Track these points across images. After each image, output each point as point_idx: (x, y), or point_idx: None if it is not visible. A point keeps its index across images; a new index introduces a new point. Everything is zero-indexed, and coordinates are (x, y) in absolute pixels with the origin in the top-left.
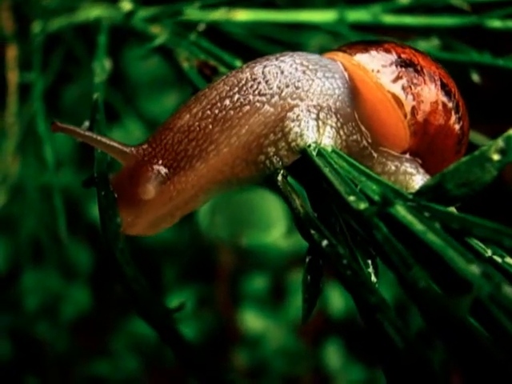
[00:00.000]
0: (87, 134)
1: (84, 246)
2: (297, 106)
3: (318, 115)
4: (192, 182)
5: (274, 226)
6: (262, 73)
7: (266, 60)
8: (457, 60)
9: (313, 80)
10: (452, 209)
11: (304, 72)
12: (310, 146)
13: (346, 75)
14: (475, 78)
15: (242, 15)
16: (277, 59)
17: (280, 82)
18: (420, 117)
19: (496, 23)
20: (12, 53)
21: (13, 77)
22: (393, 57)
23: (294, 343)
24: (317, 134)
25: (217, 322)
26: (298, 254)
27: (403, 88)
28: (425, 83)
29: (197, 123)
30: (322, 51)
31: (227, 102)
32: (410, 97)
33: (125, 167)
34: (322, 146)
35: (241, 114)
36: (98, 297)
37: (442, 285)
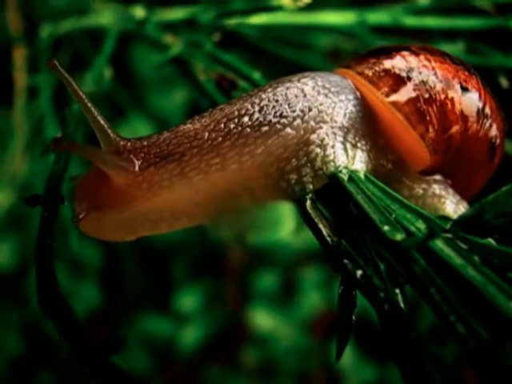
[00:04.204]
0: (82, 94)
1: (93, 242)
2: (321, 128)
3: (344, 137)
4: (181, 193)
5: (282, 223)
6: (285, 94)
7: (289, 81)
8: (484, 64)
9: (335, 103)
10: (490, 240)
11: (326, 95)
12: (340, 171)
13: (359, 95)
14: (504, 82)
15: (257, 18)
16: (299, 81)
17: (303, 105)
18: (438, 133)
19: None
20: (19, 52)
21: (20, 76)
22: (402, 70)
23: (304, 340)
24: (346, 157)
25: (226, 320)
26: (308, 251)
27: (415, 105)
28: (443, 92)
29: (206, 133)
30: (337, 52)
31: (245, 119)
32: (424, 113)
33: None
34: (353, 170)
35: (258, 133)
36: (108, 293)
37: (483, 321)
